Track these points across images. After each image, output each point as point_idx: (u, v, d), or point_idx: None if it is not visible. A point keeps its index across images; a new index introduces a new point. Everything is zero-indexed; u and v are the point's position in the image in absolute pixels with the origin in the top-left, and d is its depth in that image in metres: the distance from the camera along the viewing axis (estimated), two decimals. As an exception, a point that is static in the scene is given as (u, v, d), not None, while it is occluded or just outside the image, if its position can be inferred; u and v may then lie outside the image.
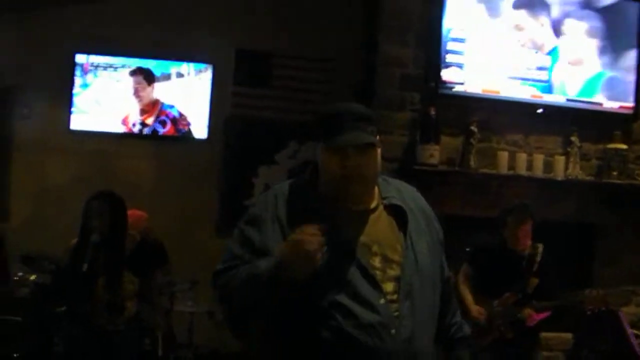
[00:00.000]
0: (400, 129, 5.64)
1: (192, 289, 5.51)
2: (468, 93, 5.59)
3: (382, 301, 2.21)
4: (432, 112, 5.47)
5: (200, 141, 6.44)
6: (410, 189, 2.49)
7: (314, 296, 2.19)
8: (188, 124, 6.45)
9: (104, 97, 6.35)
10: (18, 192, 6.35)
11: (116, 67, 6.36)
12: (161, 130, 6.42)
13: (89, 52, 6.32)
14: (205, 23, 6.37)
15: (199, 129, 6.45)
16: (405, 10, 5.72)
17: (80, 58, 6.30)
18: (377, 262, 2.25)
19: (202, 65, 6.41)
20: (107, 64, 6.35)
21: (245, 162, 6.48)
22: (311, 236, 2.11)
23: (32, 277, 5.02)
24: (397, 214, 2.35)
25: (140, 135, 6.40)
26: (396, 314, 2.21)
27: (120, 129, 6.38)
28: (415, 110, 5.63)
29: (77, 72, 6.30)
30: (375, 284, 2.22)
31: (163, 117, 6.41)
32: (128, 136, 6.40)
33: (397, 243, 2.30)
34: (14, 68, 6.32)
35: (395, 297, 2.23)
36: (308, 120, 6.42)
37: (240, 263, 2.28)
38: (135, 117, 6.39)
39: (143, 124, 6.40)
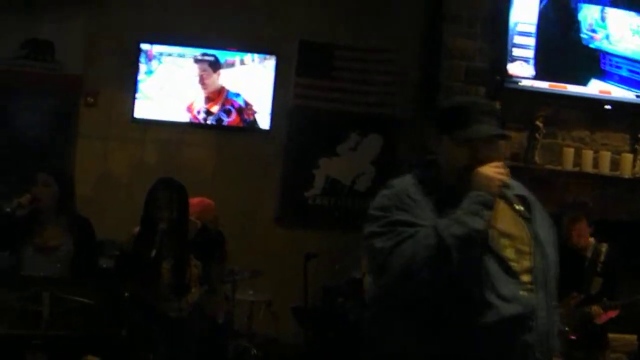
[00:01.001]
0: (465, 122, 5.56)
1: (252, 278, 5.55)
2: (534, 88, 5.50)
3: (522, 293, 2.21)
4: (497, 106, 5.38)
5: (262, 132, 6.45)
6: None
7: (455, 289, 2.18)
8: (254, 113, 6.45)
9: (169, 84, 6.37)
10: (82, 178, 6.44)
11: (181, 55, 6.40)
12: (226, 119, 6.42)
13: (153, 42, 6.37)
14: (269, 13, 6.39)
15: (262, 120, 6.45)
16: (472, 1, 5.65)
17: (144, 46, 6.37)
18: (511, 253, 2.25)
19: (265, 55, 6.40)
20: (169, 52, 6.39)
21: (306, 153, 6.48)
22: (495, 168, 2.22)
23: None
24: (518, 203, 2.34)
25: (203, 125, 6.44)
26: (533, 305, 2.21)
27: (185, 117, 6.40)
28: (479, 104, 5.54)
29: (142, 59, 6.37)
30: (514, 276, 2.22)
31: (228, 106, 6.42)
32: (191, 125, 6.44)
33: (524, 233, 2.30)
34: (79, 56, 6.44)
35: (532, 287, 2.24)
36: (368, 111, 6.44)
37: (407, 236, 2.20)
38: (200, 105, 6.41)
39: (208, 112, 6.42)
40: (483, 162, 2.24)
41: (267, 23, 6.38)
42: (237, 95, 6.43)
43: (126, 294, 4.27)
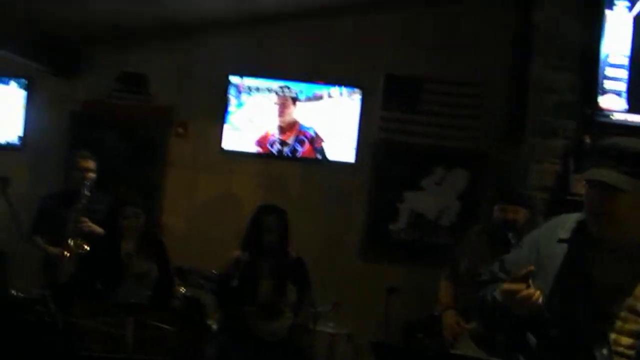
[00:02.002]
0: (553, 157, 5.43)
1: (334, 311, 5.52)
2: (627, 122, 5.31)
3: (604, 351, 2.08)
4: (587, 140, 5.24)
5: (347, 164, 6.47)
6: None
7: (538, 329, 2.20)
8: (322, 143, 6.49)
9: (257, 117, 6.53)
10: (171, 207, 6.63)
11: (268, 89, 6.52)
12: (300, 149, 6.50)
13: (243, 74, 6.53)
14: (355, 47, 6.45)
15: (346, 152, 6.47)
16: (561, 33, 5.52)
17: (234, 79, 6.52)
18: (621, 310, 2.10)
19: (352, 89, 6.45)
20: (259, 85, 6.51)
21: (391, 187, 6.44)
22: (523, 293, 2.12)
23: (182, 290, 5.19)
24: None
25: (289, 157, 6.52)
26: None
27: (262, 147, 6.54)
28: (569, 138, 5.41)
29: (232, 91, 6.50)
30: (604, 333, 2.10)
31: (301, 137, 6.51)
32: (277, 157, 6.53)
33: None
34: (171, 88, 6.66)
35: (629, 353, 2.07)
36: (454, 145, 6.37)
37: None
38: (275, 136, 6.52)
39: (283, 143, 6.52)
40: (601, 208, 2.10)
41: (353, 56, 6.43)
42: (309, 128, 6.50)
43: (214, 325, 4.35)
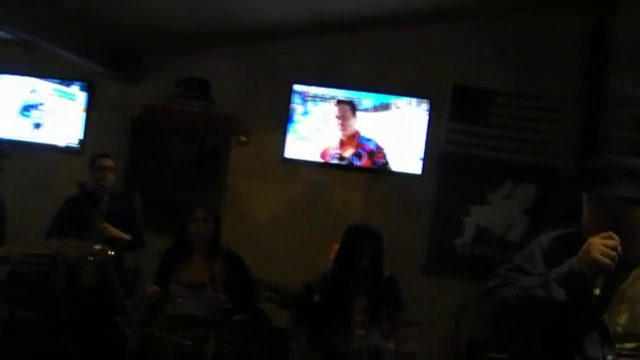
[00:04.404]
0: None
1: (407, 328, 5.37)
2: None
3: (610, 358, 2.17)
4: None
5: (413, 176, 6.32)
6: None
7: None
8: (384, 157, 6.36)
9: (322, 126, 6.43)
10: (230, 216, 6.53)
11: (334, 97, 6.42)
12: (357, 164, 6.39)
13: (307, 83, 6.43)
14: (423, 57, 6.32)
15: (412, 164, 6.33)
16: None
17: (298, 88, 6.41)
18: (624, 319, 2.21)
19: (420, 99, 6.31)
20: (323, 94, 6.41)
21: (457, 200, 6.28)
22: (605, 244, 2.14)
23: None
24: None
25: (352, 166, 6.39)
26: None
27: (328, 159, 6.44)
28: (647, 154, 5.22)
29: (297, 100, 6.40)
30: (611, 340, 2.18)
31: (360, 150, 6.38)
32: (340, 167, 6.41)
33: None
34: (234, 96, 6.57)
35: (636, 355, 2.18)
36: (524, 160, 6.20)
37: (511, 282, 2.35)
38: (334, 150, 6.41)
39: (340, 157, 6.40)
40: (611, 225, 2.18)
41: (421, 67, 6.30)
42: (369, 140, 6.38)
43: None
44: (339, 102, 6.41)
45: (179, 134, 6.60)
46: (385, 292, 4.43)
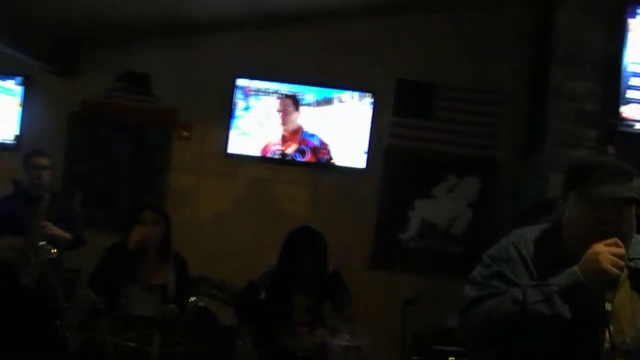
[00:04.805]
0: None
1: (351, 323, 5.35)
2: (652, 132, 5.21)
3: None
4: (611, 150, 5.14)
5: (357, 171, 6.29)
6: None
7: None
8: (328, 153, 6.32)
9: (264, 121, 6.34)
10: (173, 212, 6.39)
11: (275, 91, 6.33)
12: (300, 159, 6.34)
13: (249, 77, 6.33)
14: (366, 51, 6.29)
15: (357, 159, 6.30)
16: (582, 41, 5.43)
17: (241, 82, 6.32)
18: (607, 332, 2.06)
19: (363, 93, 6.28)
20: (266, 88, 6.33)
21: (402, 194, 6.29)
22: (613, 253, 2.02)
23: (192, 299, 4.98)
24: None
25: (296, 162, 6.33)
26: None
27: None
28: (591, 148, 5.30)
29: (239, 95, 6.31)
30: (598, 356, 2.06)
31: (303, 146, 6.33)
32: (283, 162, 6.35)
33: (637, 314, 2.13)
34: (175, 90, 6.44)
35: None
36: (467, 153, 6.23)
37: (497, 292, 2.15)
38: (276, 146, 6.34)
39: (283, 154, 6.34)
40: (609, 225, 2.07)
41: (365, 61, 6.28)
42: (312, 135, 6.33)
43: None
44: (281, 97, 6.33)
45: (119, 130, 6.44)
46: (329, 288, 4.38)
